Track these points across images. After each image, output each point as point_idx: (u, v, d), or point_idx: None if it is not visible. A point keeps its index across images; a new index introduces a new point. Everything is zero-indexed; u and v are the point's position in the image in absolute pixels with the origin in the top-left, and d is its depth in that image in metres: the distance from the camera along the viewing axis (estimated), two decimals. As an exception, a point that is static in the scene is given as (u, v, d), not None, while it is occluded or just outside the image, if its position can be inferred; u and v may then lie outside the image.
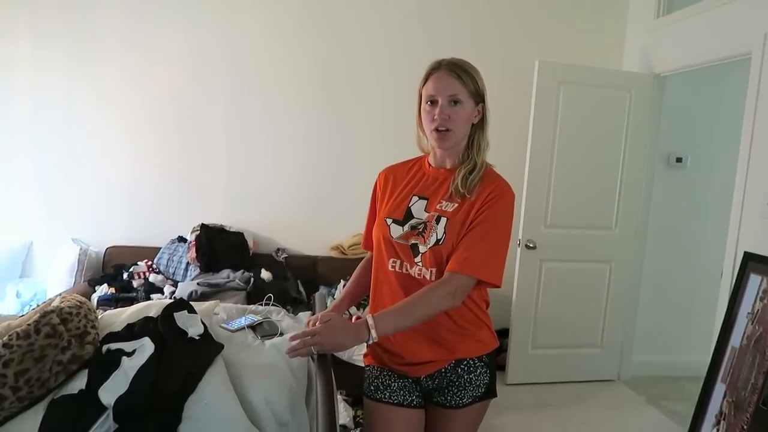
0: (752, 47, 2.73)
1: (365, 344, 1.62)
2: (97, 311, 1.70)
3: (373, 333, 1.30)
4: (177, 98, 3.64)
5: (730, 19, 2.94)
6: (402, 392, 1.53)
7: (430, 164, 1.57)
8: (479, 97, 1.50)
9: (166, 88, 3.63)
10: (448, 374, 1.49)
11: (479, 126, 1.51)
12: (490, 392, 1.53)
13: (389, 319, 1.34)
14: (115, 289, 3.15)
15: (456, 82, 1.45)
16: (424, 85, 1.50)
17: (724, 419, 2.59)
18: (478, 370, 1.50)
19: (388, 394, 1.53)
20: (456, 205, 1.45)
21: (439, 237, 1.43)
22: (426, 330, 1.46)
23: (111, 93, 3.59)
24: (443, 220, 1.44)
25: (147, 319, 1.55)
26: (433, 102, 1.46)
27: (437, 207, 1.47)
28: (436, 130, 1.45)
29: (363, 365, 1.66)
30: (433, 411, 1.54)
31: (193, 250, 3.37)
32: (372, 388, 1.57)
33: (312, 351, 1.34)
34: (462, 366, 1.49)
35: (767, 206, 2.64)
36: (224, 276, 3.25)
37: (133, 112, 3.62)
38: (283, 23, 3.67)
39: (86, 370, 1.34)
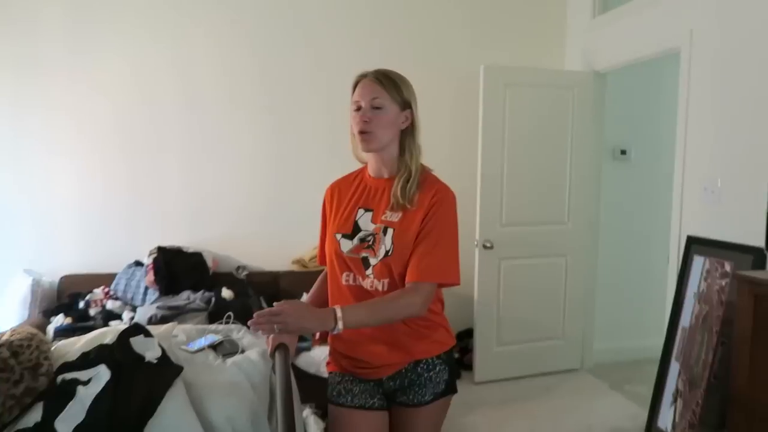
0: (680, 43, 2.89)
1: (328, 354, 1.68)
2: (52, 342, 1.67)
3: (340, 324, 1.33)
4: (125, 121, 3.58)
5: (659, 17, 3.10)
6: (363, 395, 1.56)
7: (369, 175, 1.61)
8: (405, 104, 1.54)
9: (114, 112, 3.56)
10: (409, 374, 1.54)
11: (409, 132, 1.56)
12: (451, 388, 1.59)
13: (356, 314, 1.38)
14: (72, 319, 3.06)
15: (378, 88, 1.51)
16: (353, 95, 1.57)
17: (680, 396, 2.71)
18: (437, 368, 1.55)
19: (350, 398, 1.57)
20: (400, 214, 1.50)
21: (387, 248, 1.48)
22: (383, 335, 1.51)
23: (58, 118, 3.50)
24: (390, 231, 1.49)
25: (102, 347, 1.52)
26: (358, 108, 1.53)
27: (382, 218, 1.52)
28: (360, 132, 1.51)
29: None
30: (397, 411, 1.58)
31: (151, 273, 3.31)
32: (335, 393, 1.61)
33: (275, 329, 1.30)
34: (421, 365, 1.54)
35: (704, 190, 2.78)
36: (184, 298, 3.20)
37: (81, 137, 3.54)
38: (228, 39, 3.65)
39: (41, 402, 1.32)
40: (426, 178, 1.55)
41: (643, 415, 2.96)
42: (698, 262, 2.76)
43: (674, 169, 3.00)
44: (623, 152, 3.93)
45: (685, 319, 2.78)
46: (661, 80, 3.81)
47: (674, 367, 2.79)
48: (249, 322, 1.34)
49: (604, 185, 3.89)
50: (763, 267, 2.37)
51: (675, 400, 2.74)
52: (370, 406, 1.56)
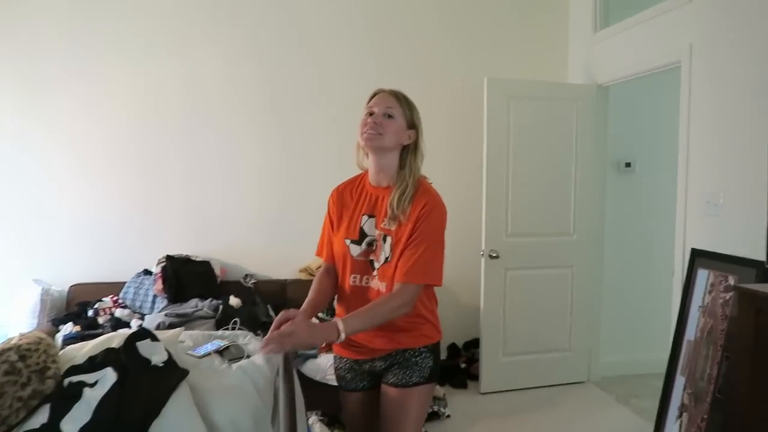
0: (680, 56, 2.92)
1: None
2: (60, 349, 1.70)
3: (342, 335, 1.50)
4: (133, 131, 3.65)
5: (659, 32, 3.13)
6: (354, 381, 1.85)
7: (369, 183, 1.75)
8: (412, 124, 1.70)
9: (122, 122, 3.63)
10: (397, 357, 1.73)
11: (411, 151, 1.71)
12: (434, 376, 1.76)
13: (354, 323, 1.56)
14: (81, 327, 3.09)
15: (393, 101, 1.69)
16: (368, 104, 1.72)
17: (685, 410, 2.70)
18: (423, 355, 1.73)
19: (343, 383, 1.87)
20: (397, 223, 1.65)
21: (387, 255, 1.65)
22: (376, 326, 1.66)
23: (66, 129, 3.58)
24: (389, 239, 1.65)
25: (109, 350, 1.56)
26: (371, 113, 1.68)
27: (382, 225, 1.68)
28: (368, 131, 1.64)
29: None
30: (386, 392, 1.75)
31: (160, 281, 3.35)
32: (337, 375, 1.91)
33: (285, 348, 1.51)
34: (409, 351, 1.73)
35: (707, 204, 2.79)
36: (192, 305, 3.24)
37: (89, 148, 3.61)
38: (235, 53, 3.74)
39: (48, 405, 1.35)
40: (418, 189, 1.67)
41: (649, 428, 2.94)
42: (702, 275, 2.76)
43: (677, 182, 3.01)
44: (628, 165, 3.95)
45: (690, 333, 2.76)
46: (664, 93, 3.82)
47: (679, 381, 2.78)
48: (260, 348, 1.51)
49: (609, 198, 3.90)
50: (766, 281, 2.37)
51: (680, 415, 2.73)
52: (358, 388, 1.84)
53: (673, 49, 2.98)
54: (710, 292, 2.69)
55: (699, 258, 2.81)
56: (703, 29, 2.79)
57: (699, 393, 2.63)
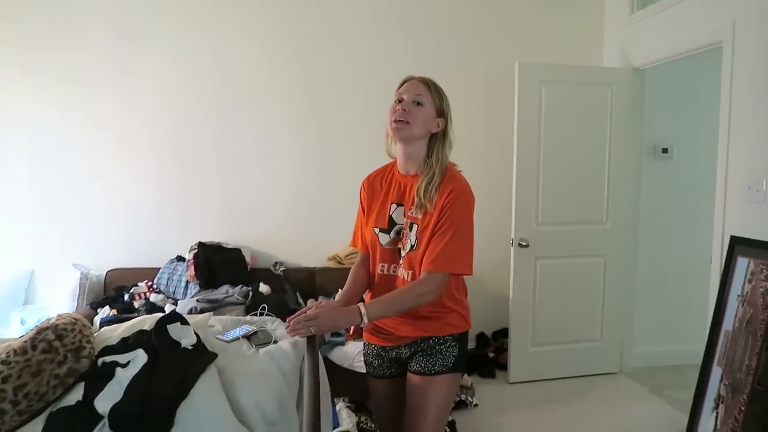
0: (722, 36, 2.79)
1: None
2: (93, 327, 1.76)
3: (365, 319, 1.55)
4: (169, 120, 3.72)
5: (699, 10, 3.00)
6: (381, 368, 1.85)
7: (398, 171, 1.74)
8: (441, 112, 1.68)
9: (158, 111, 3.70)
10: (422, 344, 1.72)
11: (440, 139, 1.68)
12: (459, 366, 1.72)
13: (377, 309, 1.59)
14: (117, 311, 3.20)
15: (423, 88, 1.67)
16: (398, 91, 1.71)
17: (722, 402, 2.62)
18: (448, 344, 1.71)
19: (371, 369, 1.88)
20: (423, 211, 1.63)
21: (413, 243, 1.64)
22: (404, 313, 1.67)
23: (104, 118, 3.67)
24: (415, 227, 1.64)
25: (141, 332, 1.60)
26: (400, 100, 1.66)
27: (409, 214, 1.67)
28: (396, 120, 1.62)
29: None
30: (411, 379, 1.73)
31: (192, 268, 3.42)
32: (365, 362, 1.91)
33: (310, 331, 1.53)
34: (433, 338, 1.71)
35: (749, 189, 2.68)
36: (223, 291, 3.30)
37: (127, 137, 3.70)
38: (270, 42, 3.76)
39: (83, 383, 1.40)
40: (445, 177, 1.64)
41: (684, 420, 2.87)
42: (742, 264, 2.66)
43: (716, 168, 2.90)
44: (665, 150, 3.82)
45: (728, 323, 2.68)
46: (703, 75, 3.67)
47: (716, 372, 2.70)
48: (285, 330, 1.54)
49: (645, 184, 3.78)
50: (811, 268, 2.27)
51: (717, 406, 2.65)
52: (385, 376, 1.84)
53: (714, 28, 2.86)
54: (750, 281, 2.59)
55: (738, 246, 2.71)
56: (748, 5, 2.66)
57: (736, 384, 2.55)
